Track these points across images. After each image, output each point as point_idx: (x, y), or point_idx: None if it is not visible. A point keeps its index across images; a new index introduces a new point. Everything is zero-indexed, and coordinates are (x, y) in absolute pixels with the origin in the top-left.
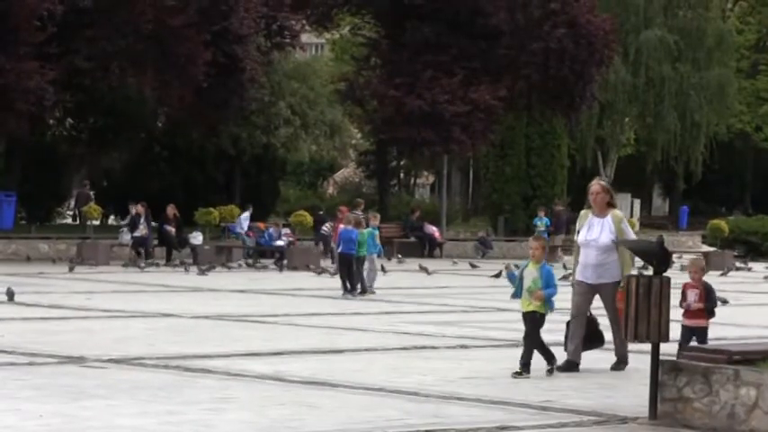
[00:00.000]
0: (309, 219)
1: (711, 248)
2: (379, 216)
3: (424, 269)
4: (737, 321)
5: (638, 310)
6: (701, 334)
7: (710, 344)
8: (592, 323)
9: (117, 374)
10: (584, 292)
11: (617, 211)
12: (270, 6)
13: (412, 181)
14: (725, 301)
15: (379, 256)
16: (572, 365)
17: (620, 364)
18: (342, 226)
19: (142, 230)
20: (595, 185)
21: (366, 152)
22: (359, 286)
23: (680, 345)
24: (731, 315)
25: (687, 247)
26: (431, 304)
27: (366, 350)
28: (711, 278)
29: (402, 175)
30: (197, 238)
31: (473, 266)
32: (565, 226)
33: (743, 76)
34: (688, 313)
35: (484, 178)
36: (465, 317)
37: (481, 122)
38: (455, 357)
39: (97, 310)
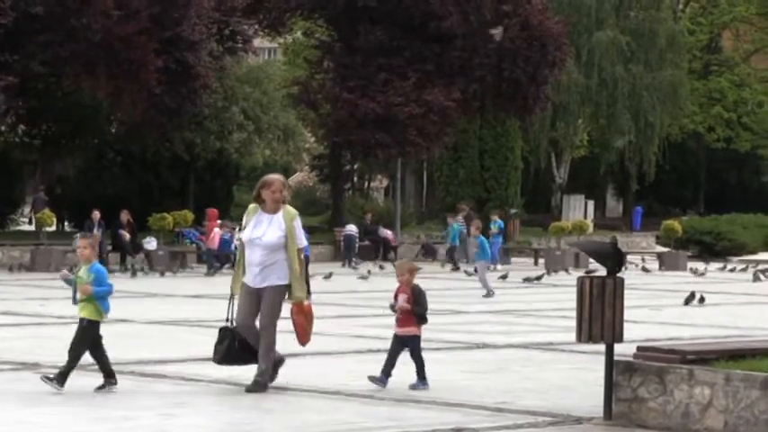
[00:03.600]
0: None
1: (665, 249)
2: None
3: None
4: (692, 321)
5: (592, 310)
6: (414, 343)
7: (665, 344)
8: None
9: (72, 381)
10: (250, 298)
11: (290, 208)
12: (222, 12)
13: (366, 185)
14: (702, 299)
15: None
16: (257, 386)
17: (262, 377)
18: None
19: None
20: (278, 180)
21: (320, 156)
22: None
23: (388, 355)
24: (685, 315)
25: (641, 248)
26: (385, 307)
27: (321, 354)
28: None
29: (356, 178)
30: (151, 243)
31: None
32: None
33: (695, 76)
34: (398, 320)
35: (438, 181)
36: None
37: (435, 125)
38: (410, 360)
39: (52, 316)
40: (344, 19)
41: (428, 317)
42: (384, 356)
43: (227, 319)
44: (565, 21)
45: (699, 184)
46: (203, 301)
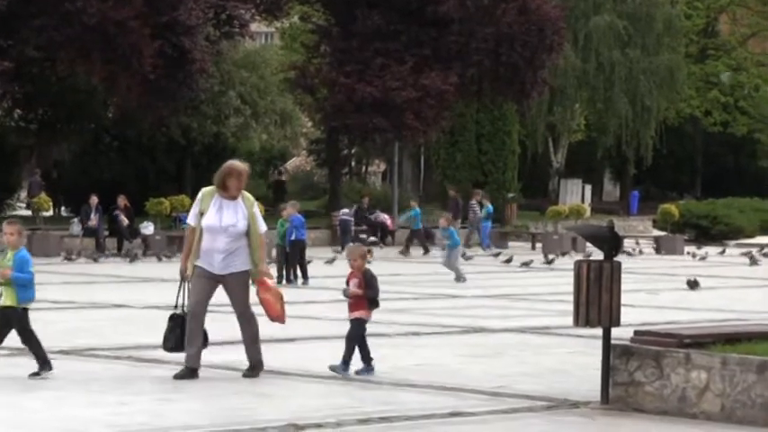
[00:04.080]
0: (261, 208)
1: (662, 233)
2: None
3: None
4: (688, 305)
5: (589, 295)
6: (355, 324)
7: (662, 328)
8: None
9: (68, 366)
10: (208, 284)
11: (248, 194)
12: None
13: (363, 169)
14: (696, 284)
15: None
16: (192, 372)
17: (254, 370)
18: (292, 213)
19: (93, 221)
20: (246, 170)
21: (317, 140)
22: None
23: (347, 338)
24: (682, 299)
25: (638, 232)
26: (382, 291)
27: (318, 338)
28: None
29: (353, 163)
30: (148, 228)
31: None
32: (460, 213)
33: (692, 60)
34: (350, 305)
35: (435, 165)
36: (416, 304)
37: (432, 109)
38: (406, 344)
39: (47, 301)
40: (341, 3)
41: (379, 301)
42: (377, 340)
43: (176, 306)
44: (562, 5)
45: (696, 169)
46: None
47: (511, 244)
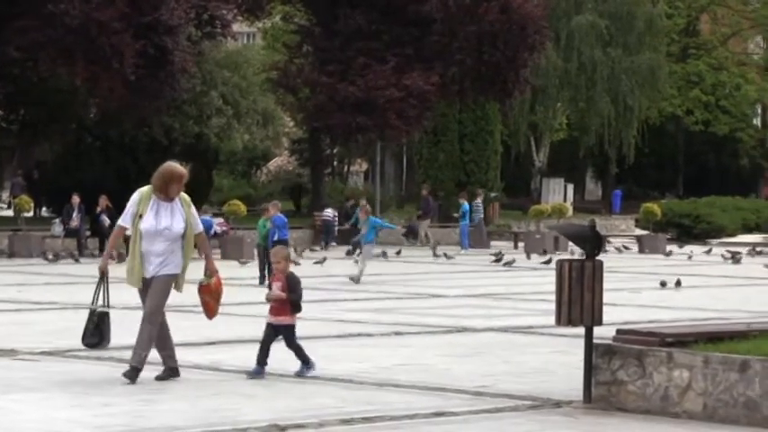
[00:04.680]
0: (243, 208)
1: (644, 232)
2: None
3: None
4: (671, 304)
5: (572, 294)
6: (288, 332)
7: (644, 327)
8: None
9: (50, 367)
10: (147, 289)
11: (185, 195)
12: None
13: (346, 168)
14: (665, 284)
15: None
16: (173, 372)
17: (136, 372)
18: (276, 213)
19: (75, 221)
20: (184, 170)
21: (299, 140)
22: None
23: (261, 344)
24: (664, 298)
25: (620, 231)
26: (366, 291)
27: (301, 338)
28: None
29: (336, 162)
30: (130, 228)
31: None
32: (432, 211)
33: (673, 60)
34: (271, 309)
35: (417, 165)
36: (400, 303)
37: (414, 109)
38: (390, 344)
39: (29, 302)
40: (323, 3)
41: (302, 304)
42: (361, 340)
43: (94, 302)
44: (544, 4)
45: (677, 167)
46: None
47: (493, 243)
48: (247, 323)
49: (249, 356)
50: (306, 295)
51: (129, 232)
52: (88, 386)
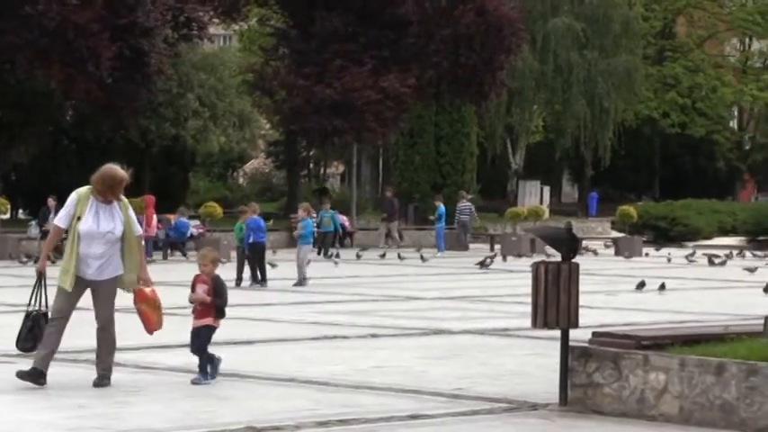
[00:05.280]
0: (219, 210)
1: (621, 234)
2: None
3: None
4: (647, 307)
5: (547, 296)
6: (205, 332)
7: (620, 329)
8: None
9: (24, 369)
10: (77, 291)
11: (123, 197)
12: None
13: (322, 171)
14: (642, 284)
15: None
16: (39, 375)
17: (104, 379)
18: (252, 215)
19: (51, 224)
20: (125, 174)
21: (276, 143)
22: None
23: (191, 347)
24: (640, 300)
25: (597, 233)
26: (342, 294)
27: (277, 341)
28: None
29: (312, 165)
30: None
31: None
32: (397, 212)
33: (649, 62)
34: (195, 312)
35: (393, 167)
36: (376, 306)
37: (391, 111)
38: (366, 346)
39: (4, 304)
40: (300, 5)
41: (226, 310)
42: (336, 342)
43: (30, 304)
44: (520, 6)
45: (654, 170)
46: (157, 289)
47: (471, 246)
48: (224, 325)
49: (225, 359)
50: (281, 298)
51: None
52: (63, 388)
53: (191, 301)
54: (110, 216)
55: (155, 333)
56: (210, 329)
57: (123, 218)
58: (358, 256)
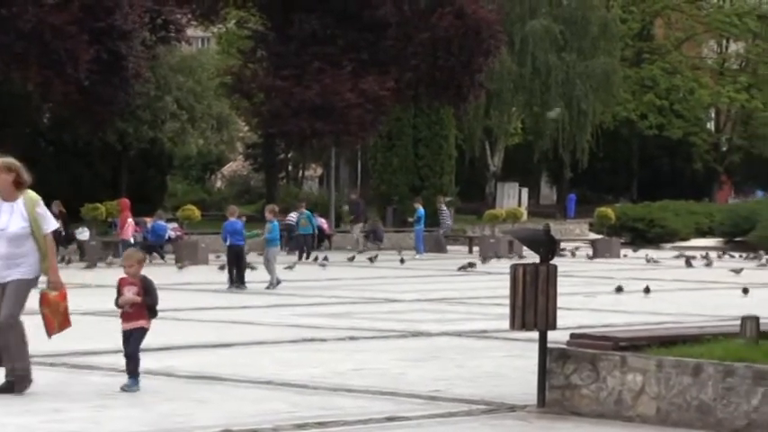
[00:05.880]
0: (197, 213)
1: (599, 236)
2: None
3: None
4: (625, 308)
5: (525, 298)
6: (137, 335)
7: (598, 331)
8: None
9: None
10: None
11: (31, 193)
12: (154, 1)
13: (300, 173)
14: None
15: None
16: (25, 381)
17: (22, 383)
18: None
19: None
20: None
21: (254, 145)
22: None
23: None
24: (618, 302)
25: (575, 235)
26: (321, 296)
27: (255, 344)
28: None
29: (290, 167)
30: (83, 233)
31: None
32: (363, 215)
33: (627, 64)
34: (125, 315)
35: (372, 169)
36: (354, 308)
37: (370, 114)
38: (344, 349)
39: None
40: (278, 7)
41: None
42: (315, 345)
43: None
44: (498, 9)
45: (631, 172)
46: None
47: (448, 248)
48: (202, 328)
49: (203, 362)
50: (259, 300)
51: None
52: (41, 392)
53: (120, 305)
54: (9, 214)
55: (53, 337)
56: (143, 332)
57: (29, 216)
58: (371, 260)
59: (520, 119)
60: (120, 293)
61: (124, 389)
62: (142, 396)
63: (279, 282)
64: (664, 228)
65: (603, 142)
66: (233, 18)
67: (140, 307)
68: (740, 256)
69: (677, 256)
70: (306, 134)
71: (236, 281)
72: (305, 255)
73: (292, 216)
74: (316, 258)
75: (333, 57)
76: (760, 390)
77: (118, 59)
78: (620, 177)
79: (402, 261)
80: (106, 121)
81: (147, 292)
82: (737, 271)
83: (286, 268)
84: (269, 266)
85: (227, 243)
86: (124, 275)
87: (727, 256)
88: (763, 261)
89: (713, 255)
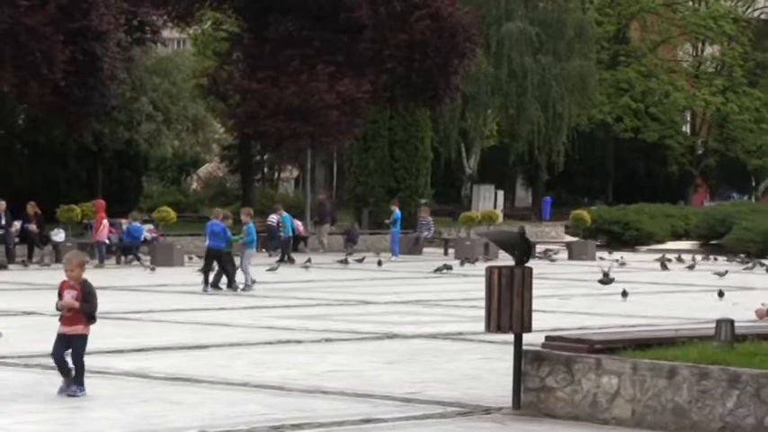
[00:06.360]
0: (173, 214)
1: (574, 238)
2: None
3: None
4: (600, 311)
5: (501, 300)
6: (79, 343)
7: (573, 333)
8: None
9: None
10: None
11: None
12: (130, 2)
13: (276, 175)
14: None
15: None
16: None
17: None
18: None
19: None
20: None
21: (229, 147)
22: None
23: (56, 360)
24: (594, 304)
25: (551, 238)
26: (296, 298)
27: (230, 345)
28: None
29: (266, 169)
30: (59, 235)
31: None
32: (329, 216)
33: (603, 67)
34: (63, 319)
35: (348, 171)
36: (330, 310)
37: (346, 116)
38: (319, 351)
39: None
40: (254, 9)
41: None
42: (290, 346)
43: None
44: (474, 11)
45: (607, 174)
46: (111, 293)
47: (424, 250)
48: (178, 330)
49: (178, 363)
50: (235, 302)
51: None
52: (16, 393)
53: (59, 308)
54: None
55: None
56: (84, 339)
57: None
58: (378, 263)
59: (496, 121)
60: (60, 297)
61: (70, 394)
62: (117, 397)
63: (254, 282)
64: (639, 231)
65: (579, 145)
66: (209, 20)
67: (78, 312)
68: (725, 260)
69: (658, 260)
70: (283, 135)
71: (217, 283)
72: (286, 257)
73: (272, 218)
74: (292, 261)
75: (309, 59)
76: (735, 392)
77: (93, 60)
78: (596, 180)
79: (380, 263)
80: (81, 122)
81: (86, 298)
82: (721, 274)
83: (268, 270)
84: (245, 267)
85: (206, 243)
86: (66, 278)
87: (713, 259)
88: (750, 264)
89: (696, 257)
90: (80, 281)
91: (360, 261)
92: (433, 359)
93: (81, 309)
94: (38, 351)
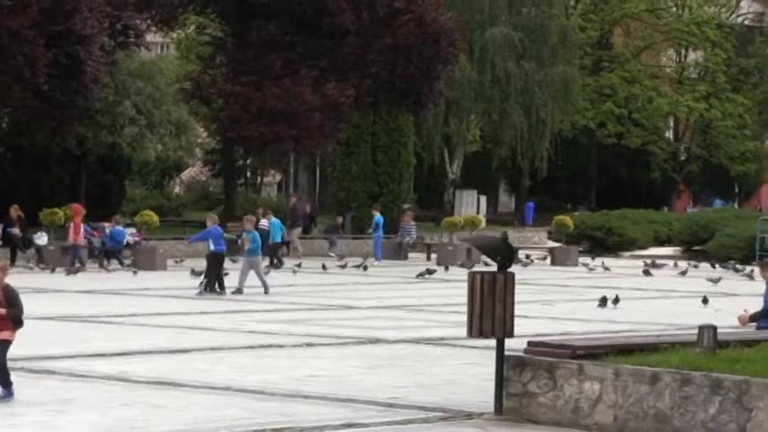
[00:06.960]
0: (156, 218)
1: (557, 244)
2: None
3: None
4: (583, 317)
5: (483, 306)
6: (3, 349)
7: (555, 339)
8: None
9: None
10: None
11: None
12: (113, 6)
13: (259, 180)
14: (616, 300)
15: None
16: None
17: None
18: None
19: None
20: None
21: (212, 151)
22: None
23: None
24: (576, 310)
25: (533, 243)
26: (277, 303)
27: (212, 349)
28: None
29: (249, 173)
30: (42, 238)
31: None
32: (302, 219)
33: (586, 72)
34: None
35: (331, 176)
36: (312, 315)
37: (330, 120)
38: (301, 355)
39: None
40: (237, 14)
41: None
42: (272, 351)
43: None
44: (458, 17)
45: (590, 180)
46: (94, 297)
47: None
48: (160, 334)
49: (160, 367)
50: (217, 306)
51: None
52: None
53: None
54: None
55: None
56: (8, 344)
57: None
58: (364, 268)
59: (479, 126)
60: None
61: None
62: (99, 401)
63: (243, 288)
64: (622, 236)
65: (562, 150)
66: (192, 24)
67: (4, 318)
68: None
69: (647, 265)
70: (266, 139)
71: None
72: (276, 260)
73: (264, 223)
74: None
75: (292, 63)
76: (717, 398)
77: (76, 64)
78: (579, 186)
79: (365, 268)
80: (65, 126)
81: (11, 302)
82: (715, 281)
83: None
84: (258, 273)
85: (212, 248)
86: None
87: (706, 265)
88: (747, 271)
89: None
90: (2, 286)
91: (343, 267)
92: (415, 364)
93: (8, 314)
94: (20, 354)
